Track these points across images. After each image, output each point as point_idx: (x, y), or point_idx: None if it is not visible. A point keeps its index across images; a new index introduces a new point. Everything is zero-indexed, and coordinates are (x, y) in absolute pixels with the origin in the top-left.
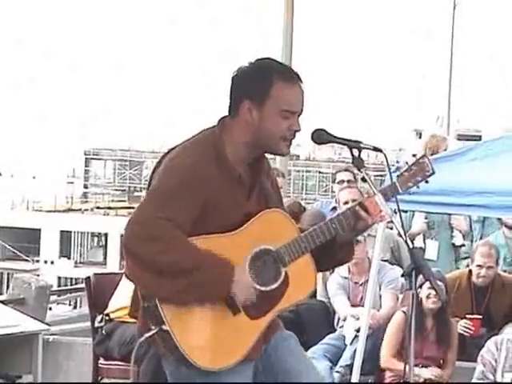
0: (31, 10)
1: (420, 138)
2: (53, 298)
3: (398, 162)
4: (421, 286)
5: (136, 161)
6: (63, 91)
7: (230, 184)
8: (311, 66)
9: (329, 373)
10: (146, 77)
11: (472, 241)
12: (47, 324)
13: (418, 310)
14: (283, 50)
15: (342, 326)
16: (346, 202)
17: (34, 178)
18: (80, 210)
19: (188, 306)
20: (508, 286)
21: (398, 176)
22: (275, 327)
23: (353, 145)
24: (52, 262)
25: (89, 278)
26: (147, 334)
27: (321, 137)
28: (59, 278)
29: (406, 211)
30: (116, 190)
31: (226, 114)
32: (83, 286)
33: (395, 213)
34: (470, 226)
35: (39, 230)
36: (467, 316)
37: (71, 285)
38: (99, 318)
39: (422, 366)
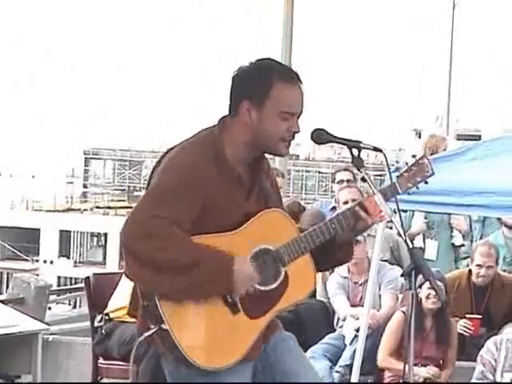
0: (31, 9)
1: (419, 137)
2: (52, 297)
3: (397, 161)
4: (420, 286)
5: (135, 160)
6: (63, 91)
7: (230, 184)
8: (311, 64)
9: (328, 373)
10: (146, 77)
11: (472, 241)
12: (47, 324)
13: (417, 309)
14: (283, 49)
15: (341, 326)
16: (346, 202)
17: (33, 177)
18: (79, 209)
19: (188, 305)
20: (507, 285)
21: (397, 176)
22: (274, 327)
23: (352, 145)
24: (51, 262)
25: (88, 277)
26: (146, 333)
27: (320, 137)
28: (59, 277)
29: (405, 211)
30: (115, 189)
31: (226, 113)
32: (83, 285)
33: (395, 213)
34: (470, 226)
35: (39, 229)
36: (467, 316)
37: (71, 284)
38: (99, 317)
39: (422, 366)
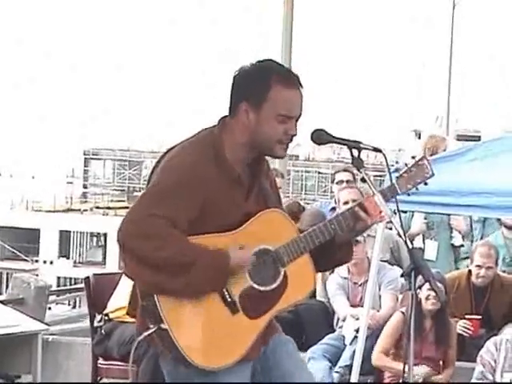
0: (31, 9)
1: (419, 138)
2: (52, 297)
3: (397, 162)
4: (420, 287)
5: (135, 161)
6: (63, 91)
7: (229, 184)
8: (310, 63)
9: (328, 373)
10: (146, 77)
11: (472, 241)
12: (46, 324)
13: (417, 310)
14: (283, 49)
15: (341, 327)
16: (346, 202)
17: (33, 177)
18: (79, 210)
19: (187, 305)
20: (507, 286)
21: (397, 177)
22: (274, 330)
23: (352, 145)
24: (51, 262)
25: (88, 278)
26: (146, 333)
27: (320, 137)
28: (58, 277)
29: (405, 211)
30: (115, 189)
31: (227, 113)
32: (82, 285)
33: (394, 213)
34: (471, 226)
35: (38, 229)
36: (466, 316)
37: (70, 285)
38: (98, 317)
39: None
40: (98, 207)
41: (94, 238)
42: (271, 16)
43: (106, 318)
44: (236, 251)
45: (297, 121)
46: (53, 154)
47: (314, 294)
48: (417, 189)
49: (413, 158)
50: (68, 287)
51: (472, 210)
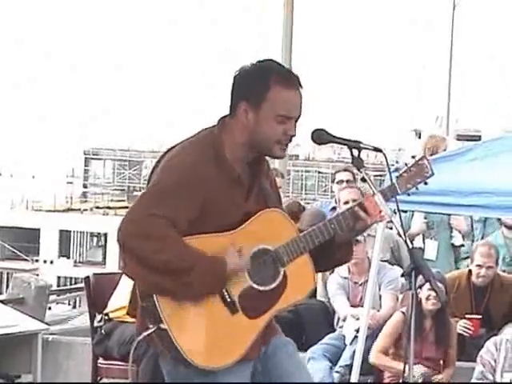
0: (31, 9)
1: (419, 138)
2: (52, 297)
3: (397, 162)
4: (421, 287)
5: (135, 160)
6: (63, 91)
7: (229, 184)
8: (311, 64)
9: (328, 373)
10: (146, 77)
11: (473, 240)
12: (47, 324)
13: (417, 310)
14: (283, 49)
15: (341, 326)
16: (347, 202)
17: (33, 177)
18: (79, 209)
19: (186, 305)
20: (507, 285)
21: (397, 177)
22: (274, 330)
23: (353, 145)
24: (51, 262)
25: (88, 277)
26: (145, 333)
27: (321, 137)
28: (58, 277)
29: (405, 211)
30: (115, 189)
31: (227, 113)
32: (82, 285)
33: (395, 213)
34: (472, 226)
35: (38, 229)
36: (467, 316)
37: (70, 284)
38: (98, 317)
39: (425, 367)
40: (98, 207)
41: (94, 238)
42: (271, 16)
43: (106, 317)
44: (233, 257)
45: (296, 121)
46: (53, 153)
47: (314, 294)
48: (417, 188)
49: (413, 157)
50: (68, 287)
51: (472, 209)
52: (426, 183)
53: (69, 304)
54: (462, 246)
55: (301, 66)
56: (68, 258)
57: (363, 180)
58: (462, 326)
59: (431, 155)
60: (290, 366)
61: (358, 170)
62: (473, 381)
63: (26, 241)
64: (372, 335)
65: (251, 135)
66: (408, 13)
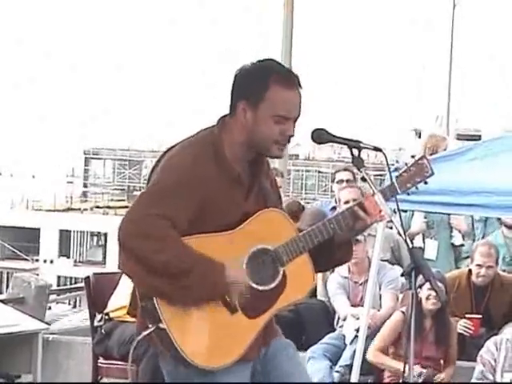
0: (31, 9)
1: (419, 137)
2: (52, 297)
3: (397, 161)
4: (421, 287)
5: (135, 160)
6: (63, 91)
7: (229, 183)
8: (311, 64)
9: (328, 372)
10: (146, 77)
11: (474, 240)
12: (47, 323)
13: (417, 310)
14: (283, 49)
15: (341, 326)
16: (347, 202)
17: (33, 177)
18: (79, 209)
19: (185, 304)
20: (507, 285)
21: (397, 177)
22: (274, 332)
23: (353, 144)
24: (51, 262)
25: (88, 277)
26: (145, 332)
27: (321, 136)
28: (59, 277)
29: (405, 211)
30: (115, 189)
31: (227, 112)
32: (83, 285)
33: (394, 212)
34: (473, 226)
35: (39, 229)
36: (467, 315)
37: (71, 284)
38: (98, 317)
39: (422, 367)
40: (98, 206)
41: (95, 238)
42: (271, 16)
43: (107, 317)
44: (234, 270)
45: (295, 122)
46: (53, 153)
47: (314, 294)
48: (417, 188)
49: (413, 157)
50: (68, 286)
51: (472, 209)
52: (425, 183)
53: (69, 304)
54: (462, 245)
55: (301, 65)
56: (68, 257)
57: (363, 179)
58: (462, 325)
59: (431, 155)
60: (289, 368)
61: (358, 170)
62: (473, 380)
63: (26, 240)
64: (372, 335)
65: (249, 135)
66: (408, 13)
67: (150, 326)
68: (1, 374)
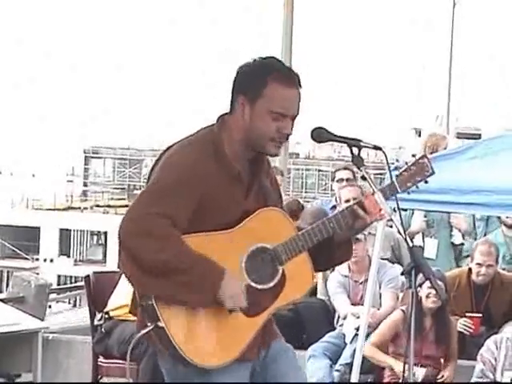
0: (31, 9)
1: (419, 136)
2: (52, 296)
3: (397, 160)
4: (421, 285)
5: (135, 159)
6: (63, 91)
7: (229, 181)
8: (311, 64)
9: (328, 371)
10: (146, 77)
11: (476, 239)
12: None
13: (417, 308)
14: (283, 49)
15: (341, 325)
16: (348, 201)
17: (33, 176)
18: (79, 208)
19: (182, 305)
20: (507, 284)
21: (397, 176)
22: (274, 334)
23: (353, 143)
24: (51, 260)
25: (88, 276)
26: (143, 331)
27: (321, 135)
28: (59, 276)
29: (405, 209)
30: (115, 188)
31: (226, 111)
32: (83, 284)
33: (394, 211)
34: (474, 224)
35: (39, 228)
36: (467, 314)
37: (71, 283)
38: (99, 316)
39: (421, 366)
40: (98, 205)
41: (95, 237)
42: (271, 16)
43: (107, 316)
44: (231, 280)
45: (293, 120)
46: (53, 152)
47: (314, 292)
48: (417, 187)
49: (413, 156)
50: (68, 285)
51: (472, 208)
52: (426, 182)
53: (69, 302)
54: (462, 244)
55: (301, 65)
56: (68, 256)
57: (363, 178)
58: (462, 324)
59: (431, 153)
60: (287, 368)
61: (358, 169)
62: (473, 379)
63: (26, 239)
64: None
65: (247, 132)
66: (408, 13)
67: (149, 324)
68: (1, 372)
